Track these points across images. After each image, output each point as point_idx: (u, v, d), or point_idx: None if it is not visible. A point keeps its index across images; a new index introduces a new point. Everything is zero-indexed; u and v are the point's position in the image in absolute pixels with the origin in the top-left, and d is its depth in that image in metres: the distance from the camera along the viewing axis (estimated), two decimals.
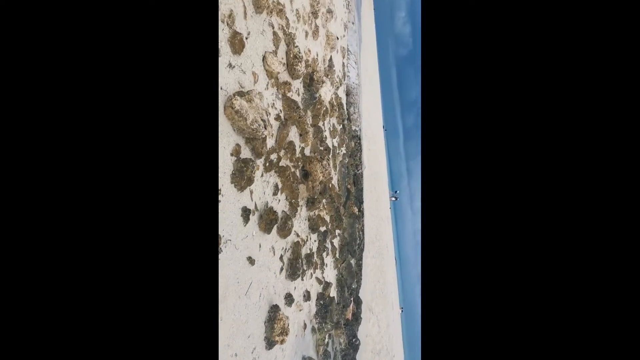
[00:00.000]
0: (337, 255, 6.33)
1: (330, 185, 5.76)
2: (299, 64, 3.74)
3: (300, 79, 3.98)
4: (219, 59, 2.32)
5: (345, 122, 8.60)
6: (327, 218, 5.57)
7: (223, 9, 2.38)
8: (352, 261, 7.69)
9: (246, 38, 2.75)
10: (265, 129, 2.61)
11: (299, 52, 3.73)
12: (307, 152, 4.42)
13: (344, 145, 8.14)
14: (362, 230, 8.99)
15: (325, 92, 4.76)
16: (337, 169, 7.07)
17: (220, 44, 2.34)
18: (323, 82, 4.61)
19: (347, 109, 9.28)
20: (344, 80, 9.29)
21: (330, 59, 6.47)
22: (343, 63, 8.93)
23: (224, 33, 2.39)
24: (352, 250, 7.61)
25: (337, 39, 7.34)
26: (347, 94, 9.45)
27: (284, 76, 3.55)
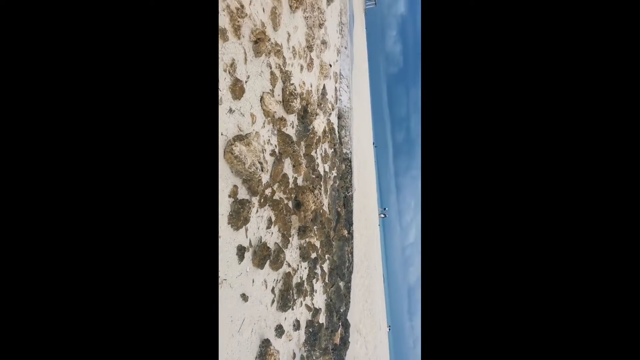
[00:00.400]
0: (327, 279, 6.38)
1: (321, 211, 5.86)
2: (295, 100, 3.91)
3: (295, 113, 4.15)
4: (220, 106, 2.45)
5: (337, 145, 8.78)
6: (318, 244, 5.65)
7: (225, 59, 2.53)
8: (341, 284, 7.73)
9: (246, 82, 2.90)
10: (262, 170, 2.73)
11: (295, 90, 3.90)
12: (299, 181, 4.54)
13: (335, 168, 8.30)
14: (352, 253, 9.08)
15: (319, 124, 4.93)
16: (328, 193, 7.20)
17: (221, 92, 2.48)
18: (317, 114, 4.80)
19: (338, 132, 9.51)
20: (336, 104, 9.55)
21: (324, 87, 6.70)
22: (335, 88, 9.21)
23: (225, 82, 2.53)
24: (341, 273, 7.67)
25: (330, 66, 7.62)
26: (339, 117, 9.70)
27: (280, 112, 3.70)
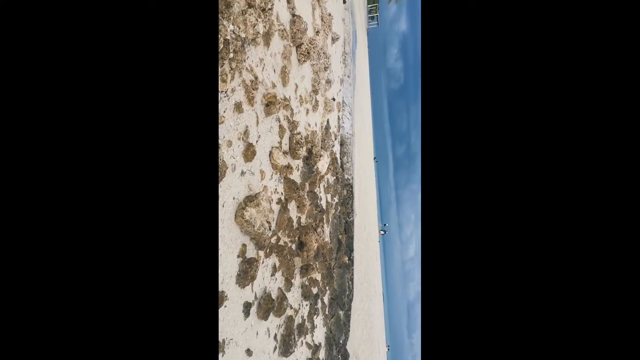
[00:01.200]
0: (327, 311, 6.46)
1: (323, 243, 5.99)
2: (301, 148, 4.11)
3: (301, 159, 4.34)
4: (233, 172, 2.63)
5: (339, 173, 8.97)
6: (319, 277, 5.76)
7: (240, 128, 2.73)
8: (341, 313, 7.78)
9: (257, 142, 3.09)
10: (270, 229, 2.89)
11: (301, 138, 4.11)
12: (303, 220, 4.70)
13: (337, 195, 8.47)
14: (352, 280, 9.15)
15: (323, 165, 5.12)
16: (330, 221, 7.33)
17: (234, 159, 2.66)
18: (321, 155, 4.99)
19: (340, 159, 9.72)
20: (339, 132, 9.78)
21: (327, 122, 6.93)
22: (338, 116, 9.47)
23: (239, 149, 2.72)
24: (341, 303, 7.73)
25: (334, 99, 7.88)
26: (341, 144, 9.93)
27: (286, 160, 3.89)
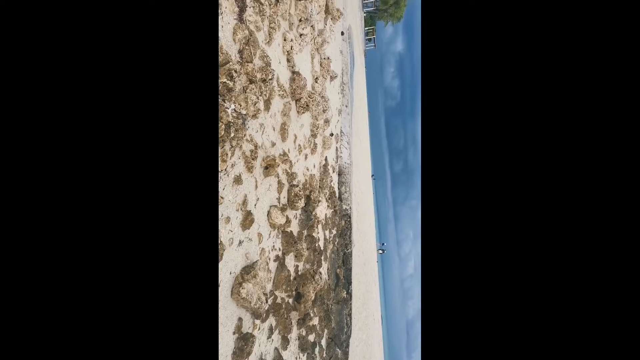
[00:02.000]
0: (325, 354, 6.30)
1: (320, 286, 5.90)
2: (299, 200, 4.11)
3: (299, 209, 4.33)
4: (230, 246, 2.61)
5: (337, 206, 8.95)
6: (317, 321, 5.65)
7: (238, 200, 2.72)
8: (339, 351, 7.60)
9: (255, 206, 3.09)
10: (267, 301, 2.85)
11: (299, 190, 4.11)
12: (300, 267, 4.64)
13: (335, 227, 8.42)
14: (350, 315, 9.00)
15: (321, 211, 5.11)
16: (328, 258, 7.26)
17: (232, 233, 2.65)
18: (319, 201, 4.99)
19: (338, 189, 9.73)
20: (337, 163, 9.83)
21: (326, 158, 6.98)
22: (337, 148, 9.55)
23: (237, 220, 2.71)
24: (339, 342, 7.56)
25: (332, 135, 7.96)
26: (340, 174, 9.96)
27: (285, 215, 3.88)
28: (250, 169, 2.86)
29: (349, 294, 9.22)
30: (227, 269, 2.57)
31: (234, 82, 2.41)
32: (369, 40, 37.70)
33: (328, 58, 6.24)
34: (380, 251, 31.78)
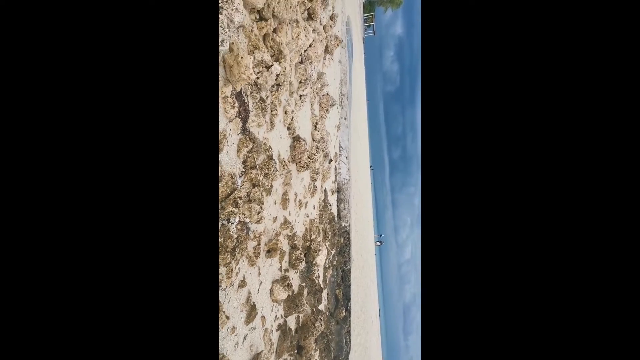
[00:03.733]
0: None
1: (321, 325, 6.08)
2: (300, 263, 4.22)
3: (300, 268, 4.44)
4: (236, 348, 2.73)
5: (336, 227, 9.08)
6: (317, 355, 5.86)
7: (242, 299, 2.83)
8: (341, 359, 7.89)
9: (258, 291, 3.19)
10: None
11: (300, 253, 4.22)
12: (301, 317, 4.80)
13: (334, 247, 8.58)
14: (349, 332, 9.27)
15: (321, 259, 5.23)
16: (327, 284, 7.44)
17: (237, 335, 2.76)
18: (320, 250, 5.11)
19: (337, 206, 9.84)
20: (336, 179, 9.90)
21: (325, 190, 7.06)
22: (335, 167, 9.61)
23: (242, 320, 2.82)
24: None
25: (330, 161, 8.01)
26: (338, 191, 10.05)
27: (285, 284, 3.99)
28: (253, 263, 2.96)
29: (348, 311, 9.46)
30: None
31: (238, 203, 2.47)
32: (368, 26, 36.93)
33: (327, 94, 6.23)
34: (378, 243, 32.11)
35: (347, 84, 12.97)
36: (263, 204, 2.92)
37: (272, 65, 2.71)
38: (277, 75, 2.87)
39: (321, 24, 4.99)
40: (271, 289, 3.52)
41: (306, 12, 4.29)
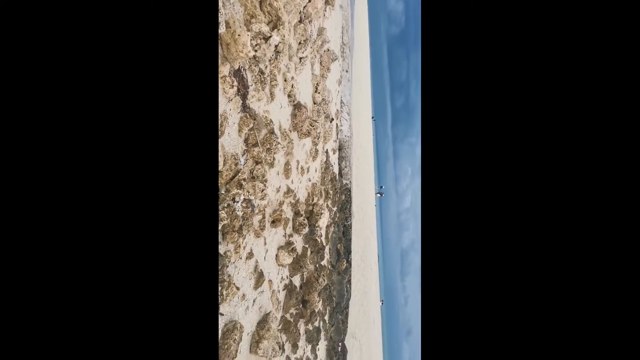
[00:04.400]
0: (328, 327, 7.18)
1: (323, 279, 6.49)
2: (304, 229, 4.38)
3: (303, 232, 4.63)
4: (247, 311, 2.98)
5: (337, 185, 9.22)
6: (320, 304, 6.36)
7: (250, 269, 3.01)
8: (340, 317, 8.60)
9: (264, 258, 3.38)
10: (281, 349, 3.32)
11: (303, 219, 4.36)
12: (305, 274, 5.13)
13: (335, 205, 8.83)
14: (350, 282, 9.89)
15: (323, 221, 5.41)
16: (329, 240, 7.79)
17: (247, 299, 2.99)
18: (322, 213, 5.27)
19: (339, 165, 9.90)
20: (337, 137, 9.83)
21: (327, 151, 7.05)
22: (336, 124, 9.46)
23: (250, 286, 3.04)
24: (340, 309, 8.51)
25: (332, 120, 7.86)
26: (340, 149, 10.03)
27: (290, 249, 4.20)
28: (259, 235, 3.09)
29: (349, 262, 10.01)
30: (245, 330, 2.97)
31: (242, 183, 2.52)
32: None
33: (328, 50, 5.93)
34: (379, 194, 32.73)
35: (350, 30, 12.20)
36: (266, 180, 2.97)
37: (270, 37, 2.57)
38: (276, 46, 2.73)
39: None
40: (277, 255, 3.72)
41: None
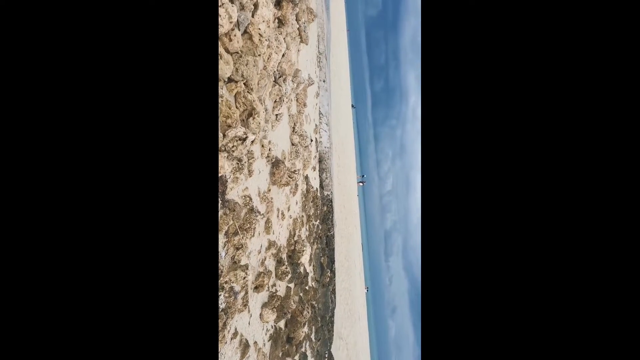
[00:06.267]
0: (314, 344, 7.46)
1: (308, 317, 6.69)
2: (286, 276, 4.53)
3: (286, 279, 4.77)
4: None
5: (318, 199, 9.36)
6: (306, 328, 6.60)
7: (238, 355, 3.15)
8: (326, 332, 8.92)
9: (249, 323, 3.52)
10: None
11: (286, 268, 4.50)
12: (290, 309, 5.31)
13: (318, 218, 9.01)
14: (334, 291, 10.19)
15: (306, 258, 5.57)
16: (313, 253, 7.98)
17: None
18: (303, 250, 5.41)
19: (319, 176, 10.01)
20: (317, 151, 9.90)
21: (306, 177, 7.14)
22: (315, 139, 9.51)
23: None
24: (325, 322, 8.82)
25: (312, 141, 7.91)
26: (320, 161, 10.12)
27: (273, 307, 4.34)
28: (242, 310, 3.22)
29: (333, 271, 10.29)
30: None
31: (223, 272, 2.61)
32: None
33: (304, 86, 5.93)
34: (361, 183, 33.12)
35: (326, 25, 11.99)
36: (248, 263, 3.06)
37: (246, 138, 2.63)
38: (252, 142, 2.79)
39: (293, 19, 4.56)
40: (261, 314, 3.86)
41: (276, 21, 3.91)
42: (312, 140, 8.09)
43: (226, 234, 2.75)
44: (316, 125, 9.40)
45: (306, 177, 7.07)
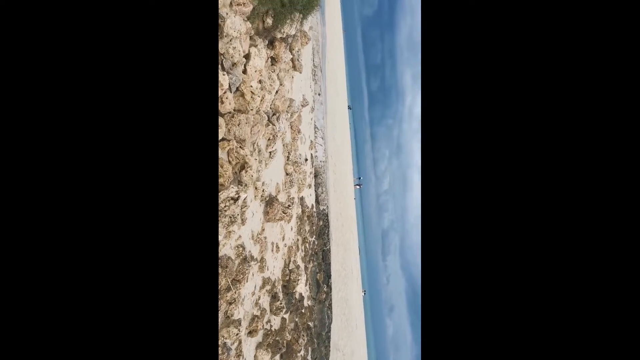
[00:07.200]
0: (310, 358, 7.44)
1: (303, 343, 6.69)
2: (281, 311, 4.51)
3: (281, 313, 4.76)
4: None
5: (314, 217, 9.35)
6: (302, 351, 6.59)
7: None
8: (323, 349, 8.91)
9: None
10: None
11: (281, 304, 4.49)
12: (287, 338, 5.30)
13: (314, 234, 9.01)
14: (330, 307, 10.19)
15: (301, 287, 5.56)
16: (308, 273, 7.97)
17: None
18: (298, 280, 5.40)
19: (315, 191, 10.00)
20: (312, 167, 9.89)
21: (302, 199, 7.12)
22: (311, 155, 9.51)
23: None
24: (322, 338, 8.81)
25: (306, 160, 7.90)
26: (315, 176, 10.11)
27: (269, 345, 4.32)
28: (237, 356, 3.20)
29: (329, 287, 10.29)
30: None
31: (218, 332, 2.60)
32: None
33: (298, 113, 5.92)
34: (357, 186, 33.05)
35: (319, 54, 12.00)
36: (241, 318, 3.05)
37: (238, 198, 2.61)
38: (244, 199, 2.78)
39: (286, 55, 4.55)
40: (255, 356, 3.85)
41: (269, 60, 3.90)
42: (307, 159, 8.09)
43: (219, 291, 2.73)
44: (311, 141, 9.39)
45: (301, 199, 7.06)
